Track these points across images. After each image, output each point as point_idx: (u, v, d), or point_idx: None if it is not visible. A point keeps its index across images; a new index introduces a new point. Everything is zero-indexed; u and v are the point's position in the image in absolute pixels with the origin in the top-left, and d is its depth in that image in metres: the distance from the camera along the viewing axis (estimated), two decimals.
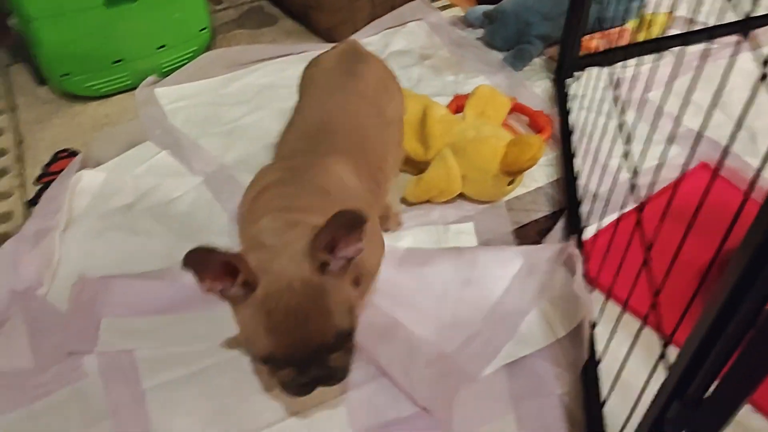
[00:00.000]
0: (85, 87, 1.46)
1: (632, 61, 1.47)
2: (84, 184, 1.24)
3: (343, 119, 0.94)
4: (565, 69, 1.49)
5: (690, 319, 0.58)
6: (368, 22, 1.70)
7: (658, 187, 1.09)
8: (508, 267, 1.04)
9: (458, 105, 1.34)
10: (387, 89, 1.05)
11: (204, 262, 0.66)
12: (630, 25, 1.60)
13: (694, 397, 0.55)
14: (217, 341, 0.96)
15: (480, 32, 1.67)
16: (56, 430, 0.87)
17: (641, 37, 1.55)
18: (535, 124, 1.36)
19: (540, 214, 1.19)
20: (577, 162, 1.24)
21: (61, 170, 1.26)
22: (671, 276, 0.65)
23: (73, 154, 1.34)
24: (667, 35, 1.58)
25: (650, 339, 0.75)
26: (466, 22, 1.72)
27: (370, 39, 1.67)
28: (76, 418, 0.88)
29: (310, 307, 0.67)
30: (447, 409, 0.88)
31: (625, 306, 0.78)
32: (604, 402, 0.84)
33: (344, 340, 0.72)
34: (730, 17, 1.20)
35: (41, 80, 1.53)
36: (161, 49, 1.51)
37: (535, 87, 1.51)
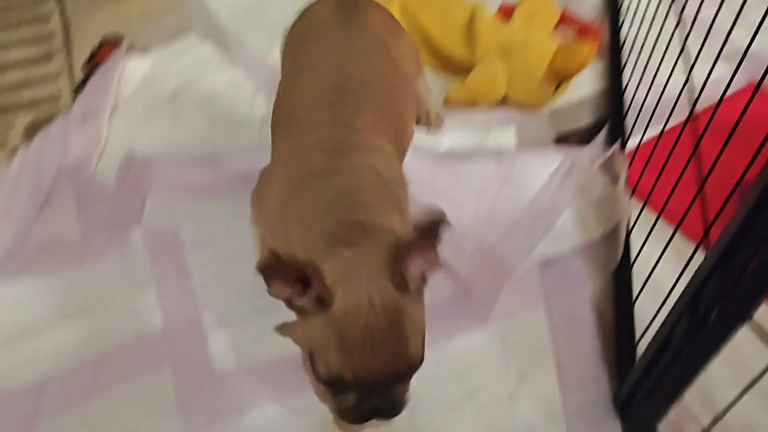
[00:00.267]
0: None
1: None
2: (129, 72, 1.27)
3: (361, 79, 0.82)
4: None
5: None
6: None
7: (706, 104, 1.07)
8: (549, 166, 1.04)
9: (506, 13, 1.31)
10: (390, 31, 0.94)
11: (277, 270, 0.60)
12: None
13: (734, 271, 0.55)
14: None
15: None
16: (102, 293, 0.92)
17: None
18: (584, 35, 1.32)
19: (582, 123, 1.17)
20: (625, 75, 1.21)
21: (108, 57, 1.27)
22: (716, 190, 0.64)
23: (119, 41, 1.35)
24: None
25: (684, 248, 0.76)
26: None
27: None
28: (122, 282, 0.93)
29: (389, 331, 0.60)
30: (490, 294, 0.90)
31: (662, 212, 0.78)
32: (635, 300, 0.85)
33: (412, 373, 0.65)
34: None
35: None
36: None
37: None
